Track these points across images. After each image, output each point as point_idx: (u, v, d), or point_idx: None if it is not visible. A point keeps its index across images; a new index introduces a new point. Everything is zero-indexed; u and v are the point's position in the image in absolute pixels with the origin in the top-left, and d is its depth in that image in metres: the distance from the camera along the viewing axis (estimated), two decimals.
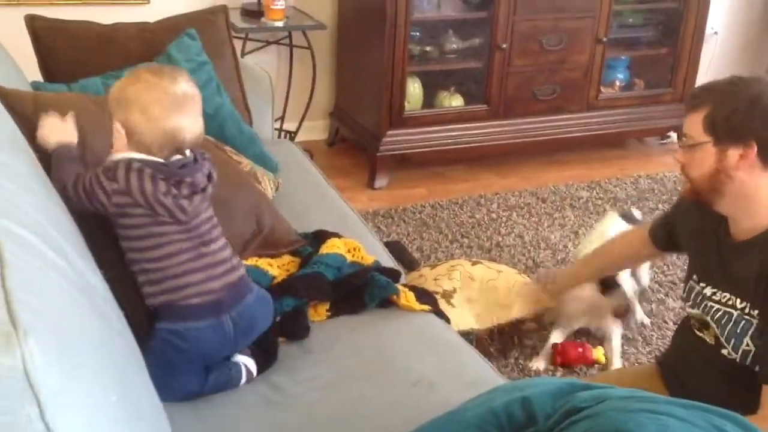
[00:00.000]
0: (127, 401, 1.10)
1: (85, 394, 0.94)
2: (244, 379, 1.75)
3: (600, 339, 2.72)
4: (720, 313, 1.78)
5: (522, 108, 4.08)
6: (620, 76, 4.43)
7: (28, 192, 1.29)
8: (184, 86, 1.64)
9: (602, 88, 4.27)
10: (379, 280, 2.03)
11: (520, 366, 2.63)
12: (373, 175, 3.92)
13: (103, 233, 1.66)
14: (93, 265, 1.48)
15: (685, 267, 2.05)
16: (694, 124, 1.71)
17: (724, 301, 1.78)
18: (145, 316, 1.67)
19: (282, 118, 4.01)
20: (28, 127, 1.75)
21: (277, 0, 3.66)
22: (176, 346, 1.64)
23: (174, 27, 2.67)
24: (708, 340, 1.84)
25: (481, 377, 1.78)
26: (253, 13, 3.76)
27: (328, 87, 4.29)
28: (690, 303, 1.90)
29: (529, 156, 4.25)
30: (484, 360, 1.92)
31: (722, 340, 1.78)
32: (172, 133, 1.61)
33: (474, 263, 2.72)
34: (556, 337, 2.68)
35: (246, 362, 1.76)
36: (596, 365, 2.64)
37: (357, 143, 4.15)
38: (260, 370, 1.78)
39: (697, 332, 1.87)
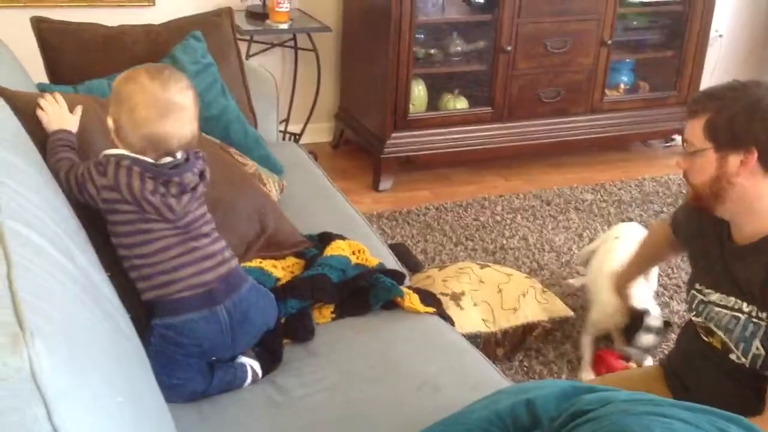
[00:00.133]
0: (132, 402, 1.10)
1: (91, 395, 0.95)
2: (249, 380, 1.75)
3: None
4: (727, 318, 1.78)
5: (526, 111, 4.08)
6: (625, 79, 4.42)
7: (35, 193, 1.30)
8: (176, 93, 1.64)
9: (607, 91, 4.26)
10: (383, 282, 2.04)
11: (525, 369, 2.63)
12: (377, 178, 3.93)
13: (100, 232, 1.67)
14: (98, 266, 1.48)
15: (688, 270, 2.05)
16: (695, 130, 1.71)
17: (730, 305, 1.77)
18: (144, 314, 1.68)
19: (287, 120, 4.02)
20: (34, 127, 1.76)
21: (281, 2, 3.66)
22: (173, 341, 1.65)
23: (179, 29, 2.68)
24: (715, 344, 1.83)
25: (486, 380, 1.78)
26: (258, 16, 3.77)
27: (333, 89, 4.30)
28: (693, 312, 1.89)
29: (534, 159, 4.25)
30: (488, 362, 1.92)
31: (730, 345, 1.78)
32: (155, 138, 1.62)
33: (482, 266, 2.72)
34: (587, 342, 2.67)
35: (251, 363, 1.76)
36: None
37: (361, 145, 4.15)
38: (265, 372, 1.79)
39: (704, 337, 1.87)
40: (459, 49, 4.00)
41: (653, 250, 2.31)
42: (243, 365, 1.75)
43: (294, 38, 3.96)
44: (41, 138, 1.75)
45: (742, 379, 1.78)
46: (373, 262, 2.17)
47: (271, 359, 1.81)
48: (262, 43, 3.94)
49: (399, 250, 2.73)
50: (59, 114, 1.83)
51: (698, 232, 1.89)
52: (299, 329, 1.90)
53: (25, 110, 1.81)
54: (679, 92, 4.38)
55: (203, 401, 1.69)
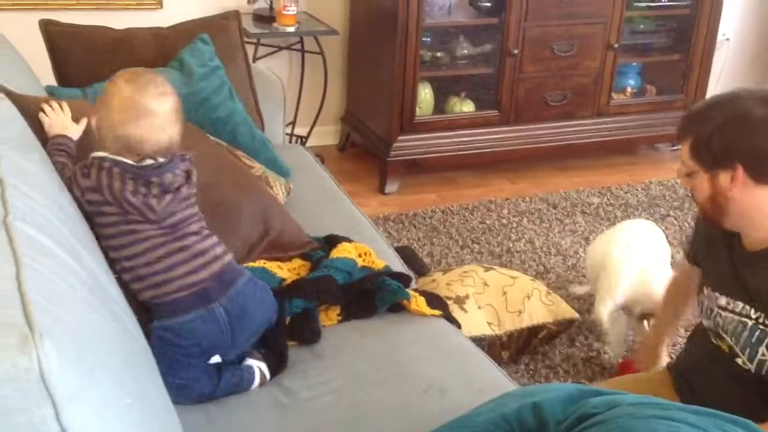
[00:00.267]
0: (141, 403, 1.11)
1: (100, 396, 0.95)
2: (257, 383, 1.75)
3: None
4: (734, 323, 1.78)
5: (533, 114, 4.08)
6: (632, 83, 4.42)
7: (42, 194, 1.30)
8: (151, 98, 1.65)
9: (613, 95, 4.26)
10: (389, 284, 2.04)
11: (531, 372, 2.63)
12: (383, 180, 3.93)
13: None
14: (106, 268, 1.49)
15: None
16: (685, 153, 1.75)
17: (738, 310, 1.77)
18: (143, 315, 1.67)
19: (293, 123, 4.02)
20: (39, 129, 1.78)
21: (288, 6, 3.67)
22: (172, 342, 1.65)
23: (187, 32, 2.69)
24: (723, 348, 1.83)
25: (492, 383, 1.78)
26: (265, 19, 3.78)
27: (340, 92, 4.30)
28: (703, 315, 1.89)
29: (540, 162, 4.25)
30: (494, 365, 1.92)
31: (737, 349, 1.78)
32: (126, 141, 1.64)
33: (487, 269, 2.72)
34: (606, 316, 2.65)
35: (258, 365, 1.77)
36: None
37: (368, 148, 4.16)
38: (272, 374, 1.79)
39: (713, 340, 1.87)
40: (466, 52, 4.00)
41: (678, 292, 2.26)
42: (250, 367, 1.75)
43: (301, 41, 3.97)
44: (43, 140, 1.76)
45: (748, 384, 1.77)
46: (379, 264, 2.17)
47: (277, 361, 1.81)
48: (269, 46, 3.95)
49: (405, 253, 2.73)
50: (62, 121, 1.85)
51: (708, 242, 1.91)
52: (305, 331, 1.90)
53: (31, 112, 1.82)
54: (686, 96, 4.38)
55: (210, 403, 1.69)
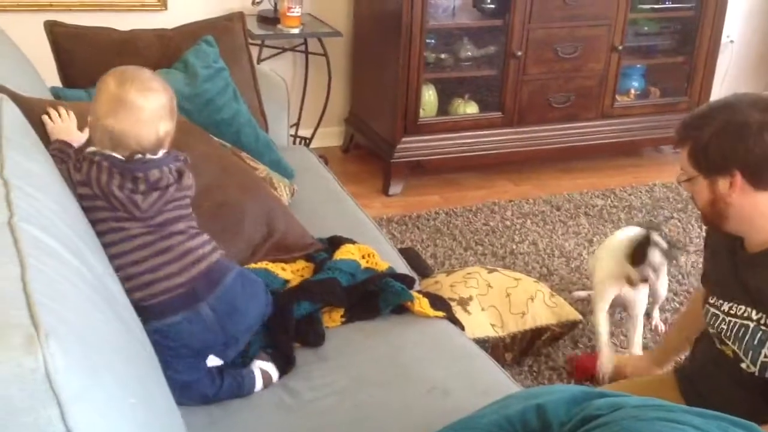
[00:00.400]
0: (144, 403, 1.11)
1: (105, 396, 0.95)
2: (259, 387, 1.75)
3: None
4: (737, 327, 1.78)
5: (536, 116, 4.08)
6: (636, 85, 4.42)
7: (47, 196, 1.31)
8: (135, 93, 1.65)
9: (617, 96, 4.26)
10: (393, 286, 2.04)
11: (534, 373, 2.63)
12: (387, 182, 3.93)
13: None
14: (110, 269, 1.50)
15: (699, 274, 2.05)
16: (684, 159, 1.76)
17: (740, 313, 1.78)
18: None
19: (297, 125, 4.03)
20: (42, 132, 1.78)
21: (293, 7, 3.68)
22: (160, 344, 1.63)
23: (191, 33, 2.69)
24: (727, 353, 1.84)
25: (496, 384, 1.78)
26: (269, 20, 3.78)
27: (343, 94, 4.31)
28: (708, 324, 1.90)
29: (544, 164, 4.25)
30: (498, 367, 1.92)
31: (740, 353, 1.78)
32: (110, 133, 1.64)
33: (490, 271, 2.72)
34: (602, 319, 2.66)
35: (264, 367, 1.77)
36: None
37: (372, 150, 4.16)
38: (280, 374, 1.79)
39: (717, 345, 1.87)
40: (469, 54, 4.00)
41: (694, 319, 2.20)
42: (251, 372, 1.75)
43: (305, 43, 3.97)
44: (47, 144, 1.77)
45: (752, 387, 1.77)
46: (382, 266, 2.17)
47: (285, 361, 1.81)
48: (273, 47, 3.95)
49: (409, 255, 2.73)
50: (66, 126, 1.86)
51: (712, 249, 1.92)
52: (310, 334, 1.90)
53: (36, 114, 1.83)
54: (690, 98, 4.37)
55: (214, 404, 1.69)
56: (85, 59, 2.58)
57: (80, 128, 1.89)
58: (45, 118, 1.84)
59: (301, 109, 4.07)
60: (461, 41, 4.00)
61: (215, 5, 3.73)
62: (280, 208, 2.26)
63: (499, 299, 2.60)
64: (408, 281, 2.12)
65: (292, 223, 2.23)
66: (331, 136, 4.37)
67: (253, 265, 2.03)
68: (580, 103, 4.14)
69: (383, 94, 3.90)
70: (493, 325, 2.55)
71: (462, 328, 2.12)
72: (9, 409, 0.84)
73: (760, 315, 1.73)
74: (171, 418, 1.32)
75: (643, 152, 4.59)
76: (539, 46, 3.93)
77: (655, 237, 2.53)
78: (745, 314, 1.76)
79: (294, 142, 3.85)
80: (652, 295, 2.88)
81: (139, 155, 1.66)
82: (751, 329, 1.74)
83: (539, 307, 2.63)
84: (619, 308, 2.87)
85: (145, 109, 1.66)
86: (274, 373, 1.78)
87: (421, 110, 3.86)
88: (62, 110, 1.89)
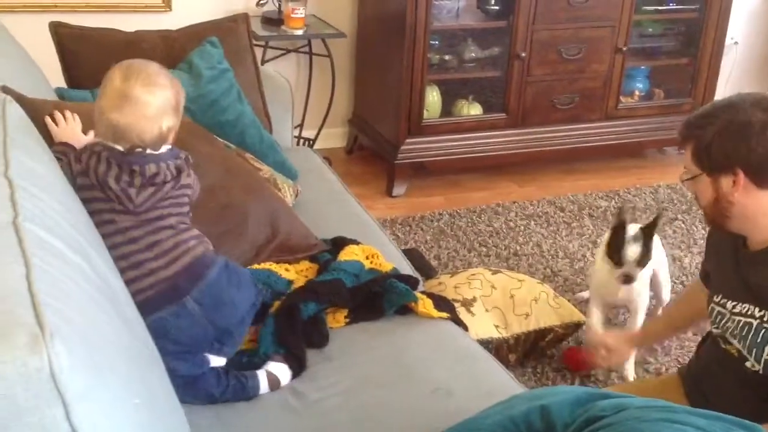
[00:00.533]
0: (149, 403, 1.11)
1: (109, 396, 0.96)
2: (264, 389, 1.75)
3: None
4: (741, 325, 1.78)
5: (540, 117, 4.07)
6: (640, 86, 4.41)
7: (52, 197, 1.31)
8: (138, 87, 1.66)
9: (621, 98, 4.25)
10: (397, 286, 2.04)
11: (538, 375, 2.63)
12: (391, 183, 3.93)
13: None
14: (114, 269, 1.50)
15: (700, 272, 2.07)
16: (687, 158, 1.76)
17: (743, 312, 1.78)
18: None
19: (301, 126, 4.03)
20: (46, 134, 1.79)
21: (297, 8, 3.68)
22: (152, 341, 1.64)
23: (196, 34, 2.69)
24: (732, 352, 1.84)
25: (499, 385, 1.78)
26: (274, 21, 3.79)
27: (347, 95, 4.31)
28: (712, 324, 1.90)
29: (548, 165, 4.25)
30: (502, 368, 1.92)
31: (744, 352, 1.78)
32: (112, 127, 1.65)
33: (494, 272, 2.72)
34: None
35: (277, 369, 1.77)
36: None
37: (375, 151, 4.16)
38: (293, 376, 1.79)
39: (722, 345, 1.87)
40: (473, 55, 4.00)
41: (686, 306, 2.24)
42: (255, 375, 1.75)
43: (309, 44, 3.98)
44: (50, 144, 1.77)
45: (757, 387, 1.77)
46: (386, 267, 2.17)
47: (297, 364, 1.81)
48: (277, 48, 3.95)
49: (413, 256, 2.73)
50: (70, 129, 1.86)
51: (715, 248, 1.92)
52: (314, 334, 1.91)
53: (40, 116, 1.84)
54: (694, 99, 4.37)
55: (220, 404, 1.69)
56: (89, 60, 2.58)
57: (85, 131, 1.89)
58: (49, 121, 1.84)
59: (305, 110, 4.07)
60: (465, 42, 4.00)
61: (220, 6, 3.73)
62: (284, 209, 2.26)
63: (503, 300, 2.60)
64: (412, 282, 2.12)
65: (295, 224, 2.23)
66: (334, 137, 4.38)
67: (256, 266, 2.03)
68: (584, 105, 4.14)
69: (387, 95, 3.91)
70: (496, 326, 2.55)
71: (466, 329, 2.12)
72: (14, 409, 0.84)
73: (762, 312, 1.73)
74: (175, 417, 1.33)
75: (647, 153, 4.58)
76: (543, 48, 3.93)
77: (629, 231, 2.50)
78: (748, 312, 1.76)
79: (298, 143, 3.85)
80: (656, 297, 2.88)
81: (139, 149, 1.66)
82: (754, 327, 1.74)
83: (543, 308, 2.63)
84: (623, 309, 2.87)
85: (151, 105, 1.66)
86: (286, 374, 1.77)
87: (425, 111, 3.86)
88: (67, 113, 1.90)
